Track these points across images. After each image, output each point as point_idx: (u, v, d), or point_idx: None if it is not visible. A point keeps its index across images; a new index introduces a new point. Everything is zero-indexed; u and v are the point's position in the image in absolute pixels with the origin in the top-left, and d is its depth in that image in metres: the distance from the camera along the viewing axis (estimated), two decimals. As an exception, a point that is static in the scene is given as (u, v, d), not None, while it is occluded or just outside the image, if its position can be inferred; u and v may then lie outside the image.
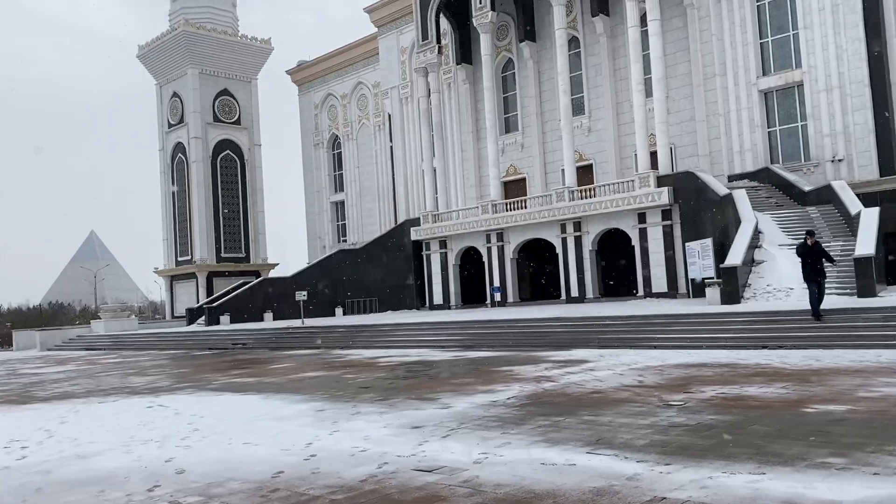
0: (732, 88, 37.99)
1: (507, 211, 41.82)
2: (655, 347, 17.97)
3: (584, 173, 43.10)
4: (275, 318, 46.14)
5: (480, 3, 43.14)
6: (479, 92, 48.92)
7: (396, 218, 54.44)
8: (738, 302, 22.82)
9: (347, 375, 17.58)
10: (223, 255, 64.32)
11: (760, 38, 37.52)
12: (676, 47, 39.64)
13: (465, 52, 49.05)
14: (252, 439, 9.92)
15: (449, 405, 11.54)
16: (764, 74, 37.32)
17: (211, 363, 25.11)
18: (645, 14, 37.71)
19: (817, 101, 35.30)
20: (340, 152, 63.46)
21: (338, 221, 64.34)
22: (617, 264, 39.24)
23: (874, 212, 23.60)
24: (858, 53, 33.89)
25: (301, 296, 35.53)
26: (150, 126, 74.45)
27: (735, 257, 23.57)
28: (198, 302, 61.68)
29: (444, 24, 47.93)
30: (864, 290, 20.76)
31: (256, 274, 64.70)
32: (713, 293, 24.03)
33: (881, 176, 33.11)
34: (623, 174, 41.81)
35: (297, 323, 35.52)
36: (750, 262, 24.84)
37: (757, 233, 26.14)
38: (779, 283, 23.01)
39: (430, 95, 47.21)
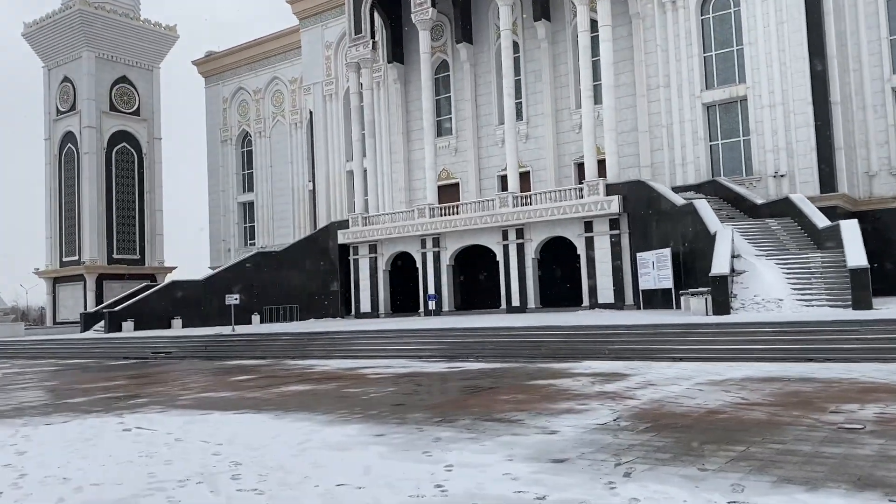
0: (676, 100, 37.92)
1: (445, 215, 39.99)
2: (681, 360, 16.65)
3: (521, 180, 41.87)
4: (184, 325, 42.07)
5: (420, -2, 41.26)
6: (411, 92, 47.01)
7: (315, 221, 51.46)
8: (728, 312, 22.00)
9: (348, 390, 15.13)
10: (115, 256, 58.88)
11: (705, 52, 37.68)
12: (620, 56, 39.20)
13: (397, 51, 47.00)
14: (341, 478, 7.55)
15: (550, 429, 9.54)
16: (707, 88, 37.46)
17: (145, 375, 21.74)
18: (592, 20, 37.13)
19: (760, 117, 35.67)
20: (251, 150, 59.69)
21: (246, 223, 60.41)
22: (560, 273, 38.24)
23: (854, 224, 23.48)
24: (802, 71, 34.48)
25: (232, 299, 32.19)
26: (34, 112, 67.52)
27: (721, 266, 22.77)
28: (85, 307, 56.15)
29: (377, 20, 45.67)
30: (861, 303, 20.34)
31: (152, 277, 59.70)
32: (698, 303, 23.14)
33: (822, 192, 33.68)
34: (561, 182, 40.98)
35: (226, 330, 32.14)
36: (731, 271, 24.16)
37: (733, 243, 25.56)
38: (766, 293, 22.39)
39: (361, 92, 44.80)
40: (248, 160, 60.11)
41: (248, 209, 60.28)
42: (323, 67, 51.19)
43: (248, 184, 60.05)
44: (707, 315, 22.78)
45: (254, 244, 59.03)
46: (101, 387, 18.83)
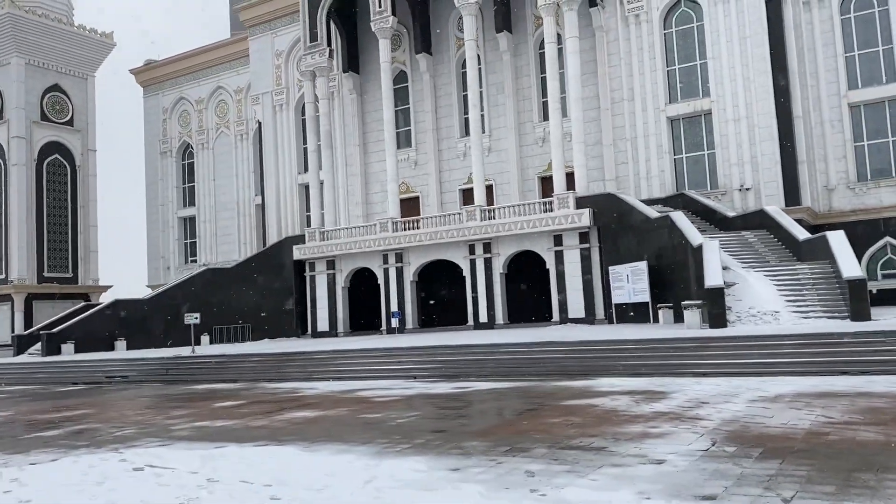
0: (640, 114, 37.88)
1: (408, 229, 38.79)
2: (703, 375, 15.97)
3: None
4: (129, 347, 39.51)
5: (380, 6, 40.20)
6: (368, 103, 45.78)
7: (265, 236, 49.42)
8: (725, 325, 21.57)
9: (365, 415, 13.80)
10: (46, 274, 55.20)
11: (668, 66, 37.82)
12: (584, 70, 38.88)
13: (353, 61, 45.73)
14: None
15: (651, 457, 8.53)
16: (672, 101, 37.57)
17: (109, 403, 19.75)
18: (556, 33, 36.78)
19: (725, 131, 35.92)
20: (192, 162, 57.15)
21: (187, 239, 57.68)
22: (528, 288, 37.50)
23: (842, 234, 23.48)
24: (765, 86, 34.90)
25: (192, 319, 30.13)
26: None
27: (715, 278, 22.35)
28: (13, 329, 52.41)
29: (332, 28, 44.30)
30: (859, 314, 20.18)
31: (85, 297, 56.23)
32: (692, 316, 22.65)
33: (787, 205, 34.01)
34: (525, 196, 40.41)
35: (184, 351, 30.03)
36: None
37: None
38: (761, 305, 22.09)
39: (317, 101, 43.31)
40: (189, 173, 57.53)
41: (189, 224, 57.61)
42: (273, 76, 49.41)
43: (189, 198, 57.42)
44: (702, 328, 22.32)
45: (195, 261, 56.41)
46: (67, 417, 16.87)
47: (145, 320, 41.10)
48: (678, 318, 28.37)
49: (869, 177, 35.37)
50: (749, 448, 8.67)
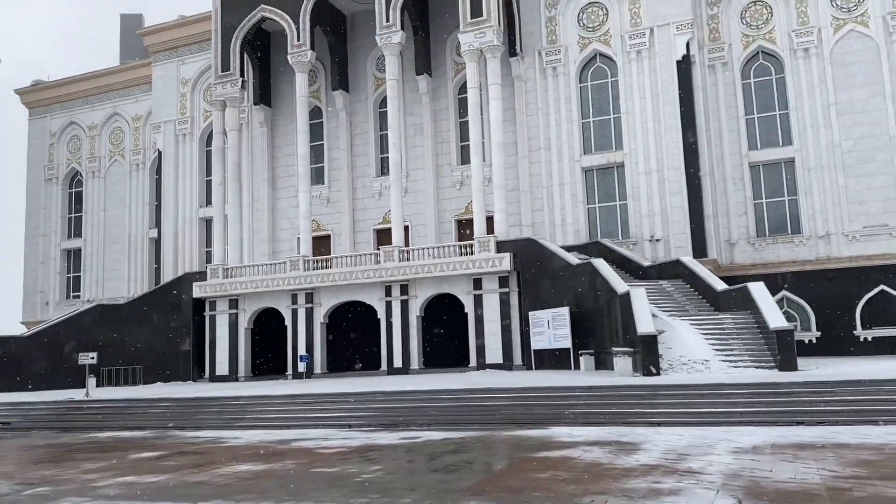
0: (556, 163, 38.54)
1: (320, 268, 37.41)
2: (659, 424, 15.72)
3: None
4: (2, 390, 35.73)
5: (299, 39, 39.31)
6: (279, 137, 44.43)
7: (159, 272, 46.48)
8: (658, 373, 21.65)
9: (322, 469, 12.54)
10: None
11: (584, 118, 38.78)
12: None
13: (265, 94, 44.39)
14: None
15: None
16: (586, 153, 38.45)
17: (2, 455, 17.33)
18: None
19: (637, 183, 37.01)
20: (81, 191, 53.39)
21: (70, 273, 53.51)
22: (444, 332, 36.82)
23: (762, 286, 24.30)
24: (675, 142, 36.32)
25: (87, 359, 27.40)
26: None
27: (647, 325, 22.51)
28: None
29: (245, 59, 42.82)
30: (787, 364, 20.73)
31: (-53, 333, 50.76)
32: (624, 364, 22.63)
33: (695, 257, 35.14)
34: (441, 238, 40.04)
35: (77, 394, 27.20)
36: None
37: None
38: (691, 354, 22.38)
39: (225, 132, 41.52)
40: (76, 202, 53.68)
41: (73, 257, 53.53)
42: (177, 105, 47.19)
43: (75, 229, 53.48)
44: (634, 376, 22.33)
45: (79, 296, 52.34)
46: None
47: (22, 360, 37.44)
48: (599, 364, 28.54)
49: (767, 233, 37.22)
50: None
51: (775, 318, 21.89)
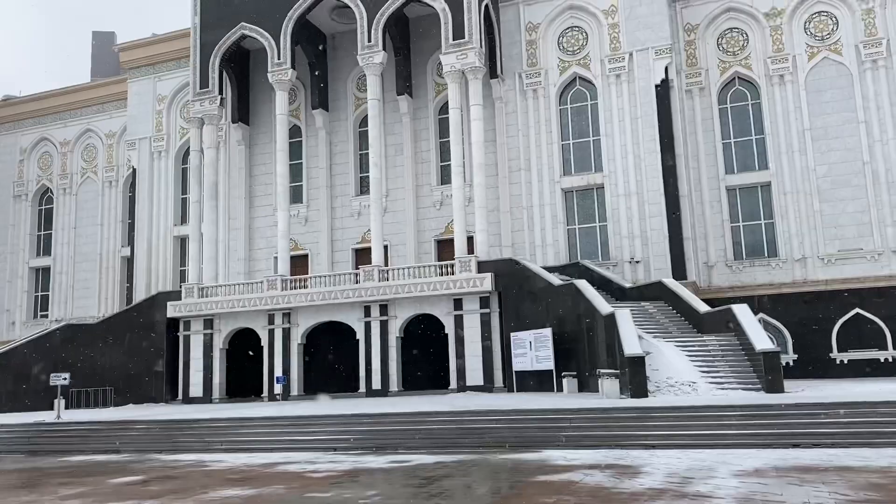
0: (536, 184, 38.61)
1: (298, 288, 36.91)
2: (653, 447, 15.54)
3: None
4: (-33, 412, 34.62)
5: (279, 58, 39.10)
6: (257, 156, 44.02)
7: (131, 291, 45.55)
8: (646, 395, 21.54)
9: (316, 494, 12.14)
10: None
11: (563, 140, 38.96)
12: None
13: (243, 111, 44.00)
14: None
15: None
16: (566, 174, 38.60)
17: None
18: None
19: (616, 205, 37.18)
20: (51, 208, 52.32)
21: (38, 292, 52.24)
22: (424, 354, 36.43)
23: (747, 308, 24.40)
24: (654, 165, 36.59)
25: (59, 379, 26.57)
26: None
27: (633, 347, 22.43)
28: None
29: (223, 77, 42.46)
30: (774, 386, 20.76)
31: None
32: (611, 385, 22.49)
33: (675, 279, 35.29)
34: (421, 258, 39.80)
35: (48, 417, 26.31)
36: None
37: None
38: (677, 376, 22.32)
39: (202, 150, 40.99)
40: (46, 220, 52.57)
41: (41, 275, 52.30)
42: (153, 122, 46.57)
43: (44, 246, 52.31)
44: (621, 398, 22.19)
45: (46, 316, 51.09)
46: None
47: (-13, 381, 36.29)
48: (583, 387, 28.40)
49: (745, 256, 37.55)
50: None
51: (761, 341, 21.95)
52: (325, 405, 26.82)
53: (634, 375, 21.79)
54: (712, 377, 22.38)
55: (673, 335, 26.62)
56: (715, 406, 17.66)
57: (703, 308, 27.42)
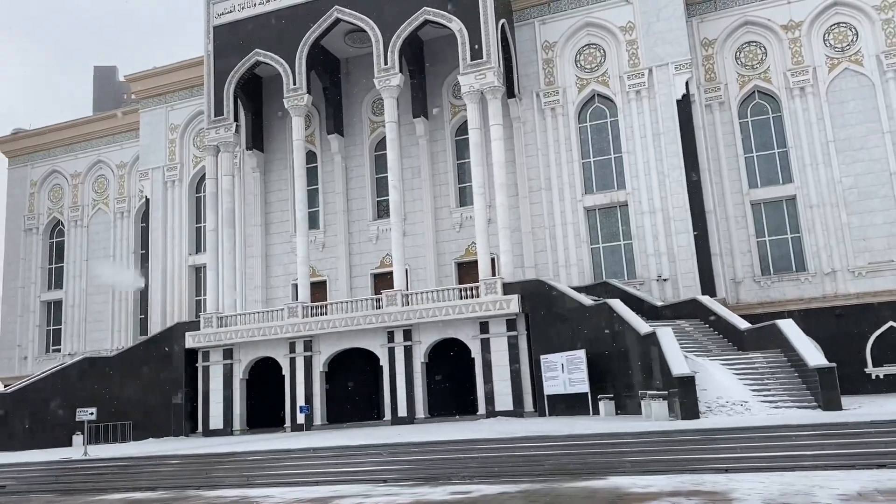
0: (558, 203, 38.07)
1: (319, 315, 36.20)
2: (727, 471, 14.75)
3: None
4: (-16, 451, 33.79)
5: (295, 83, 38.77)
6: (272, 182, 43.57)
7: (147, 322, 44.76)
8: (698, 416, 20.76)
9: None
10: None
11: (584, 158, 38.48)
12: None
13: (257, 138, 43.64)
14: None
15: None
16: (588, 192, 38.08)
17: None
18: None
19: (641, 222, 36.59)
20: (62, 241, 51.78)
21: (50, 325, 51.53)
22: (449, 379, 35.65)
23: (792, 323, 23.71)
24: (679, 181, 36.06)
25: (86, 414, 25.79)
26: None
27: (681, 366, 21.71)
28: None
29: (238, 104, 42.08)
30: (831, 403, 20.00)
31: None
32: (659, 407, 21.72)
33: (703, 295, 34.59)
34: (441, 281, 39.15)
35: (74, 454, 25.48)
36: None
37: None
38: (727, 395, 21.56)
39: (218, 178, 40.53)
40: (58, 252, 52.00)
41: (53, 309, 51.60)
42: (166, 151, 46.19)
43: (55, 279, 51.69)
44: (670, 419, 21.42)
45: (59, 350, 50.32)
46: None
47: (6, 417, 35.50)
48: (620, 409, 27.61)
49: (772, 271, 36.89)
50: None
51: (813, 356, 21.24)
52: (354, 434, 26.01)
53: (684, 396, 21.02)
54: (764, 396, 21.62)
55: (714, 353, 25.91)
56: (787, 426, 16.86)
57: (743, 325, 26.71)
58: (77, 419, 26.21)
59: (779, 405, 21.03)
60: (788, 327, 23.33)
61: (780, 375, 22.53)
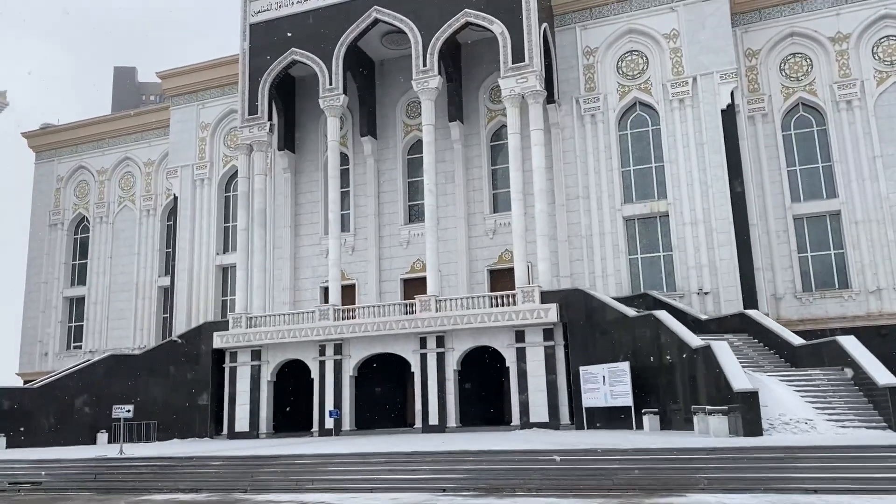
0: (596, 212, 37.30)
1: (349, 318, 35.51)
2: (815, 491, 13.92)
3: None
4: (9, 445, 33.24)
5: (331, 83, 38.26)
6: (303, 184, 43.00)
7: (171, 321, 44.16)
8: (761, 434, 19.89)
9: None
10: None
11: (624, 167, 37.73)
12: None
13: (289, 139, 43.12)
14: None
15: None
16: (627, 202, 37.30)
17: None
18: (505, 124, 36.26)
19: (682, 234, 35.75)
20: (87, 237, 51.36)
21: (72, 322, 51.06)
22: (481, 387, 34.88)
23: (855, 339, 22.83)
24: (723, 192, 35.23)
25: (123, 411, 25.14)
26: None
27: (742, 381, 20.85)
28: None
29: (272, 103, 41.58)
30: (902, 423, 19.13)
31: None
32: (719, 423, 20.84)
33: (745, 309, 33.72)
34: (473, 288, 38.38)
35: (109, 451, 24.77)
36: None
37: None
38: (791, 413, 20.68)
39: (250, 177, 40.01)
40: (82, 249, 51.57)
41: (75, 305, 51.14)
42: (196, 149, 45.70)
43: (79, 276, 51.23)
44: (731, 436, 20.55)
45: (80, 347, 49.84)
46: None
47: (31, 413, 34.94)
48: (665, 424, 26.74)
49: (814, 287, 35.98)
50: None
51: (883, 375, 20.35)
52: (392, 441, 25.22)
53: (747, 412, 20.13)
54: (829, 414, 20.72)
55: (767, 369, 24.99)
56: (877, 447, 15.98)
57: (796, 341, 25.80)
58: (113, 416, 25.58)
59: (846, 424, 20.13)
60: (851, 344, 22.44)
61: (843, 394, 21.62)
